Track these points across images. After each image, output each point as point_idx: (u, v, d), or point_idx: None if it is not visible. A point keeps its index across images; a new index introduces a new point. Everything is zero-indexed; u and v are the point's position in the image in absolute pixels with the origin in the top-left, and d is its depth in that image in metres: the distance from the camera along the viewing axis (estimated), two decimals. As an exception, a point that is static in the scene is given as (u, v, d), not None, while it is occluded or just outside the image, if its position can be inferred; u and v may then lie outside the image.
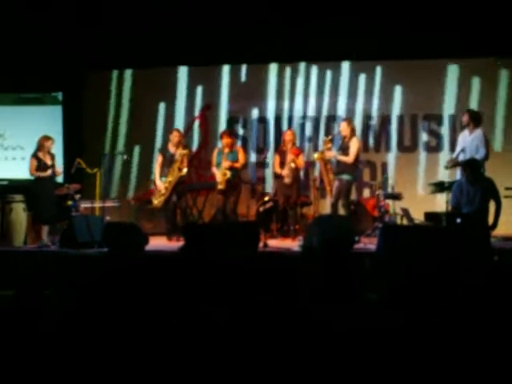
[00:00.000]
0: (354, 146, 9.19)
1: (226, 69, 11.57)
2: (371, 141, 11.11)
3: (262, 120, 11.51)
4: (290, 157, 9.63)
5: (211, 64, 11.44)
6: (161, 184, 9.52)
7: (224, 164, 9.52)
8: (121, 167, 11.68)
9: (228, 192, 9.57)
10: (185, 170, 9.49)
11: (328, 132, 10.88)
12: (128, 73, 11.84)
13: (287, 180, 9.65)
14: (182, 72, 11.71)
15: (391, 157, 11.12)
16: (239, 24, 10.63)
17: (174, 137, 9.64)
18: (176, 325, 3.68)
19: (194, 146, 11.60)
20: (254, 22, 10.59)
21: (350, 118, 9.96)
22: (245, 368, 3.21)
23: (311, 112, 11.38)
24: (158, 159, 9.73)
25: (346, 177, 9.13)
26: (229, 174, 9.48)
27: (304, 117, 11.37)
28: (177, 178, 9.46)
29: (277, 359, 3.25)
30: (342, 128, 9.34)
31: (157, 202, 9.55)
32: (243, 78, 11.56)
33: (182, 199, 9.64)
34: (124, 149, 11.50)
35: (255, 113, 11.56)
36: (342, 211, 9.21)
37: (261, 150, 11.44)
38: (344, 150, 9.21)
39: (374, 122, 11.10)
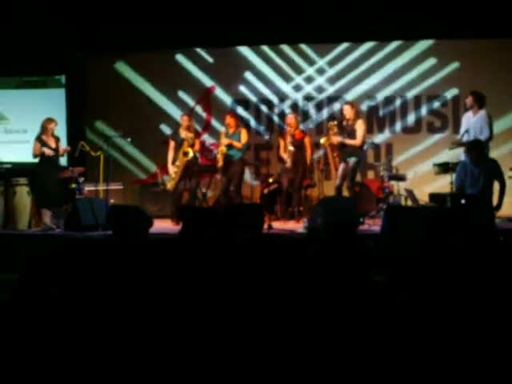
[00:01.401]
0: (361, 128, 9.20)
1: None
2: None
3: (266, 102, 11.57)
4: (289, 140, 9.64)
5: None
6: (171, 168, 9.62)
7: (223, 141, 9.62)
8: (124, 150, 11.67)
9: (229, 172, 9.60)
10: (190, 155, 9.53)
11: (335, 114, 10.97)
12: (129, 56, 11.79)
13: (288, 163, 9.66)
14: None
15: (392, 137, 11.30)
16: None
17: (184, 121, 9.78)
18: (177, 307, 3.69)
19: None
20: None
21: (352, 102, 9.93)
22: (246, 348, 3.22)
23: (318, 93, 11.48)
24: (169, 144, 9.82)
25: (353, 159, 9.11)
26: (225, 149, 9.52)
27: (311, 98, 11.49)
28: (184, 163, 9.53)
29: (280, 341, 3.25)
30: (346, 111, 9.32)
31: (169, 185, 9.69)
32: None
33: (191, 181, 9.70)
34: (126, 132, 11.52)
35: (260, 95, 11.60)
36: (345, 193, 9.20)
37: (263, 133, 11.47)
38: (350, 133, 9.18)
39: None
